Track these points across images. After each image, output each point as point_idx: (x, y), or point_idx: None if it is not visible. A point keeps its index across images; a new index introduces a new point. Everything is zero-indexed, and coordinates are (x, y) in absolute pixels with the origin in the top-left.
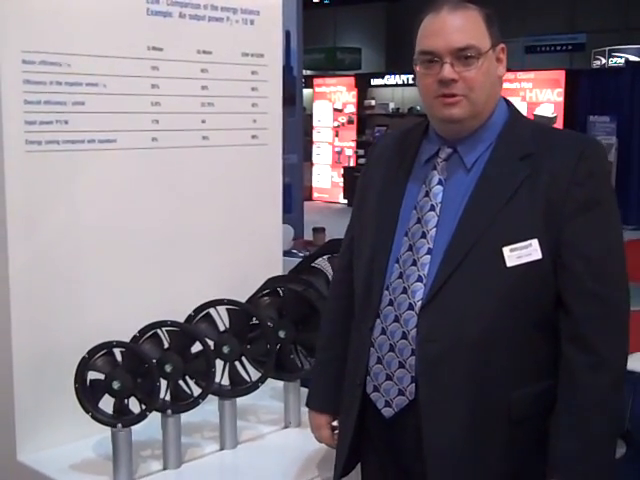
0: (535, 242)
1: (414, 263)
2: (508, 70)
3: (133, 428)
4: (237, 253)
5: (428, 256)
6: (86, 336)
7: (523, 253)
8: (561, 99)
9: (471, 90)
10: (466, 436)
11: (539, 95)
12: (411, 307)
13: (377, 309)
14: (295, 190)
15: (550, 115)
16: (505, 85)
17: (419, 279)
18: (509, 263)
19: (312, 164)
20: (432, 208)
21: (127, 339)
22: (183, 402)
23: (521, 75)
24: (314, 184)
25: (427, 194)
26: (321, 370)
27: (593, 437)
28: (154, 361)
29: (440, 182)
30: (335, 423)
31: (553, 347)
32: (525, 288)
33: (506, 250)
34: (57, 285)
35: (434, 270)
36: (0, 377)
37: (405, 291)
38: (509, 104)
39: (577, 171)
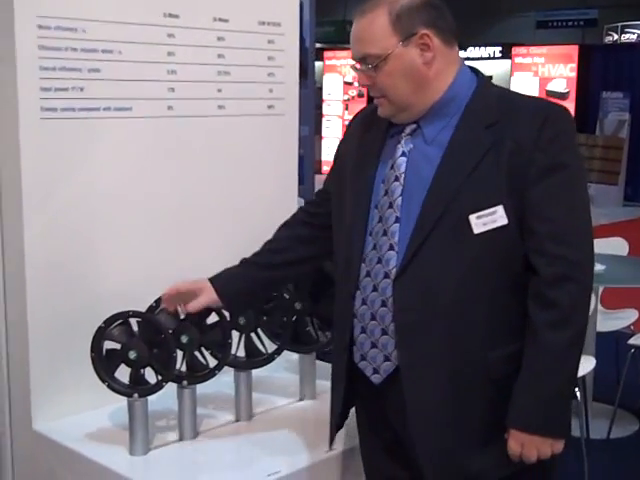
0: (500, 208)
1: (385, 233)
2: (520, 45)
3: (149, 398)
4: (252, 223)
5: (397, 225)
6: (102, 305)
7: (489, 220)
8: (574, 74)
9: (384, 92)
10: (447, 398)
11: (551, 70)
12: (387, 276)
13: (355, 281)
14: (307, 162)
15: (562, 90)
16: (517, 60)
17: (391, 248)
18: (476, 230)
19: (322, 137)
20: (396, 179)
21: (143, 308)
22: (199, 373)
23: (533, 50)
24: (323, 157)
25: (392, 166)
26: (246, 262)
27: (547, 391)
28: (170, 331)
29: (403, 154)
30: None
31: (526, 308)
32: (493, 253)
33: (472, 217)
34: (72, 253)
35: (406, 238)
36: (15, 346)
37: (380, 261)
38: (478, 73)
39: (540, 137)
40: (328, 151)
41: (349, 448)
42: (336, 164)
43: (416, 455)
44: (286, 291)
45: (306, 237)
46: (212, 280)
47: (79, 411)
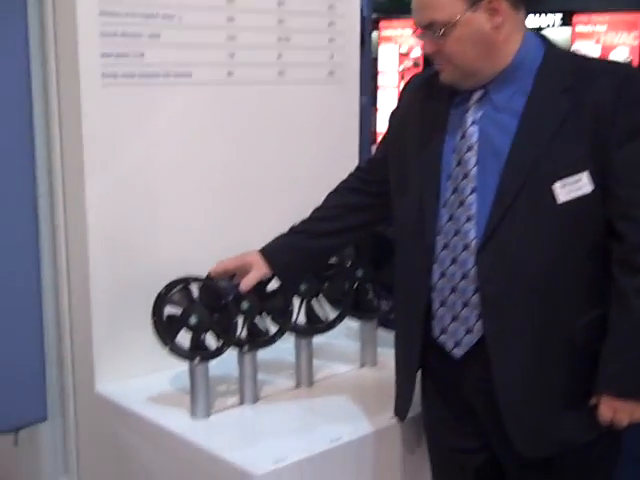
0: (585, 175)
1: (461, 204)
2: (581, 12)
3: (210, 364)
4: (311, 192)
5: (473, 195)
6: (162, 271)
7: (573, 188)
8: (637, 42)
9: (451, 59)
10: (534, 366)
11: (614, 38)
12: (466, 248)
13: (430, 254)
14: (364, 133)
15: (625, 59)
16: (578, 28)
17: (468, 219)
18: (560, 199)
19: (377, 109)
20: (469, 149)
21: (204, 274)
22: (260, 339)
23: (595, 18)
24: (378, 129)
25: (463, 136)
26: (295, 231)
27: (638, 355)
28: (231, 298)
29: (474, 123)
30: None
31: (609, 274)
32: (577, 222)
33: (556, 186)
34: (133, 220)
35: (486, 210)
36: (78, 309)
37: (457, 233)
38: (544, 38)
39: (620, 100)
40: (383, 122)
41: (411, 417)
42: (391, 132)
43: (493, 425)
44: (347, 258)
45: (356, 205)
46: (262, 252)
47: (141, 375)
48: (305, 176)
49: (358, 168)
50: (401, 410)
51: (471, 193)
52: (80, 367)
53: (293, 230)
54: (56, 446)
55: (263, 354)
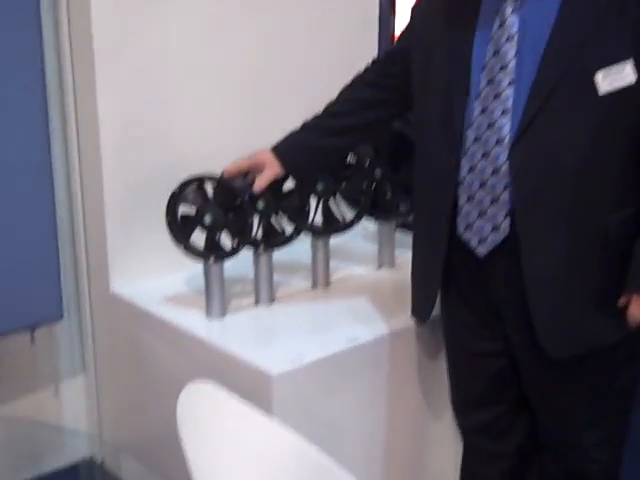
0: (629, 64)
1: (496, 97)
2: None
3: (225, 265)
4: (328, 86)
5: (511, 88)
6: (176, 170)
7: (616, 78)
8: None
9: None
10: (565, 263)
11: None
12: (499, 142)
13: (458, 147)
14: (383, 25)
15: None
16: None
17: (504, 113)
18: (602, 89)
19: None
20: (509, 39)
21: (218, 173)
22: (275, 239)
23: None
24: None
25: (502, 25)
26: (307, 128)
27: None
28: (246, 197)
29: (514, 11)
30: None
31: None
32: (618, 115)
33: (598, 76)
34: (147, 118)
35: (521, 103)
36: (92, 210)
37: (491, 127)
38: None
39: None
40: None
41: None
42: (413, 23)
43: (518, 326)
44: (365, 157)
45: (372, 100)
46: (274, 150)
47: (155, 275)
48: (322, 70)
49: (375, 61)
50: (423, 311)
51: (508, 85)
52: (95, 267)
53: (305, 127)
54: (73, 344)
55: (279, 255)
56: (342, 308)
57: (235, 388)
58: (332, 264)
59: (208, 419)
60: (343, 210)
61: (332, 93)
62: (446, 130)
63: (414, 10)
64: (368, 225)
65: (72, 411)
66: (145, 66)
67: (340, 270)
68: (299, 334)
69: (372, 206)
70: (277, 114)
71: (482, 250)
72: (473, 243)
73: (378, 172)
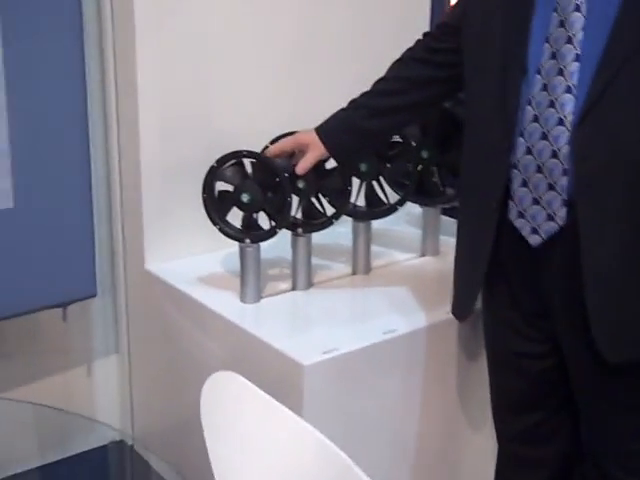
0: None
1: (560, 72)
2: None
3: (262, 247)
4: (377, 70)
5: (576, 63)
6: (215, 146)
7: None
8: None
9: None
10: (629, 258)
11: None
12: (561, 122)
13: (514, 126)
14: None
15: None
16: None
17: (568, 90)
18: None
19: None
20: (577, 8)
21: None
22: (315, 221)
23: None
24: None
25: None
26: (353, 107)
27: None
28: (286, 175)
29: None
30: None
31: None
32: None
33: None
34: (186, 92)
35: (586, 80)
36: (128, 186)
37: (552, 104)
38: None
39: None
40: None
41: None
42: None
43: (570, 326)
44: (412, 137)
45: (423, 78)
46: (318, 131)
47: (191, 254)
48: (368, 47)
49: (426, 34)
50: (463, 308)
51: (575, 60)
52: (130, 244)
53: (352, 106)
54: (107, 323)
55: (318, 238)
56: (381, 297)
57: (266, 376)
58: (373, 249)
59: (231, 410)
60: (387, 192)
61: (380, 71)
62: (500, 107)
63: None
64: (413, 209)
65: (104, 392)
66: (186, 43)
67: (381, 256)
68: (335, 323)
69: (417, 189)
70: (321, 94)
71: (536, 240)
72: (525, 231)
73: (425, 153)
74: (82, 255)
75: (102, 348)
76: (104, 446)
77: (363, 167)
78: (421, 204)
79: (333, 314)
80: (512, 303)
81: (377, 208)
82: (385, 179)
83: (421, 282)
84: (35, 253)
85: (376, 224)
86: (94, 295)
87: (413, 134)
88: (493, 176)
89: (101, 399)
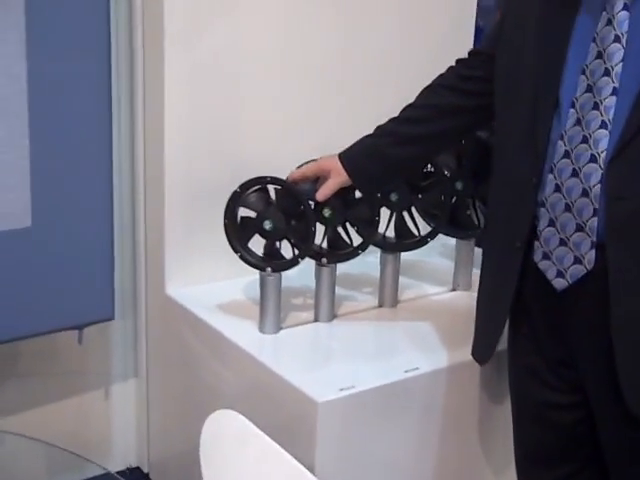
0: None
1: (596, 106)
2: None
3: (286, 274)
4: (409, 91)
5: (613, 97)
6: (240, 171)
7: None
8: None
9: None
10: None
11: None
12: (594, 159)
13: (544, 162)
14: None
15: None
16: None
17: (603, 125)
18: None
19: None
20: (617, 39)
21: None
22: (341, 251)
23: None
24: None
25: (609, 22)
26: (379, 134)
27: None
28: (311, 203)
29: (626, 7)
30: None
31: None
32: None
33: None
34: (214, 113)
35: (622, 115)
36: (152, 210)
37: (586, 140)
38: None
39: None
40: None
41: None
42: (508, 13)
43: (597, 376)
44: (446, 167)
45: (451, 106)
46: (342, 158)
47: (213, 280)
48: (408, 68)
49: (459, 61)
50: (482, 353)
51: (612, 94)
52: (152, 268)
53: (377, 132)
54: (126, 347)
55: (344, 266)
56: (406, 332)
57: (281, 410)
58: (402, 281)
59: (230, 450)
60: (418, 224)
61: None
62: (530, 142)
63: (507, 1)
64: (447, 241)
65: (121, 417)
66: (216, 63)
67: (410, 289)
68: (355, 358)
69: (451, 221)
70: (354, 120)
71: (561, 284)
72: (551, 274)
73: (459, 184)
74: (100, 277)
75: (120, 372)
76: (120, 473)
77: (394, 197)
78: (453, 236)
79: (354, 348)
80: (536, 349)
81: (407, 240)
82: (417, 210)
83: (450, 318)
84: (52, 273)
85: (407, 254)
86: (111, 318)
87: (447, 164)
88: (519, 213)
89: (118, 423)
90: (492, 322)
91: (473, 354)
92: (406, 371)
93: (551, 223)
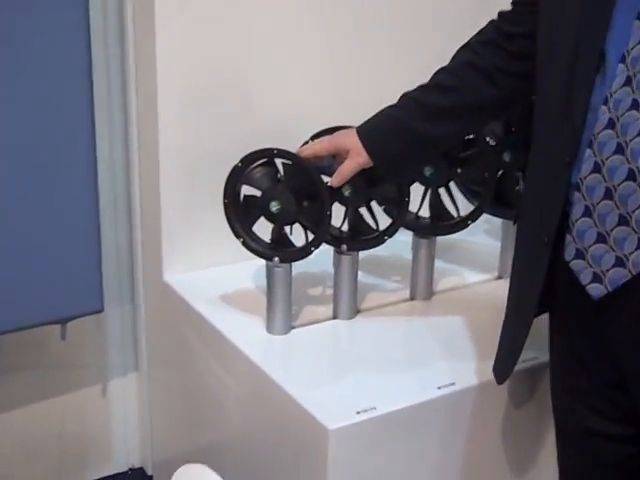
0: None
1: None
2: None
3: (299, 263)
4: (445, 48)
5: None
6: (249, 137)
7: None
8: None
9: None
10: None
11: None
12: None
13: (581, 134)
14: None
15: None
16: None
17: None
18: None
19: None
20: None
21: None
22: (364, 237)
23: None
24: None
25: None
26: (407, 104)
27: None
28: (327, 181)
29: None
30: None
31: None
32: None
33: None
34: (216, 74)
35: None
36: (147, 191)
37: (637, 106)
38: None
39: None
40: None
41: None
42: None
43: None
44: (492, 136)
45: (493, 71)
46: (360, 133)
47: (216, 264)
48: (443, 22)
49: (501, 14)
50: (501, 369)
51: None
52: (149, 252)
53: (403, 102)
54: (125, 339)
55: (369, 253)
56: (443, 333)
57: (287, 433)
58: (439, 267)
59: None
60: (457, 202)
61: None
62: (566, 109)
63: None
64: (493, 219)
65: (121, 415)
66: (211, 15)
67: (448, 276)
68: (379, 368)
69: (496, 199)
70: (385, 77)
71: (597, 290)
72: (585, 278)
73: (507, 156)
74: (87, 268)
75: (119, 365)
76: (121, 474)
77: (428, 171)
78: (500, 216)
79: (378, 354)
80: (579, 368)
81: (444, 222)
82: (456, 186)
83: (495, 314)
84: (34, 263)
85: (442, 238)
86: (100, 311)
87: (492, 131)
88: (549, 200)
89: (118, 423)
90: (514, 334)
91: (494, 370)
92: (439, 387)
93: (587, 212)
